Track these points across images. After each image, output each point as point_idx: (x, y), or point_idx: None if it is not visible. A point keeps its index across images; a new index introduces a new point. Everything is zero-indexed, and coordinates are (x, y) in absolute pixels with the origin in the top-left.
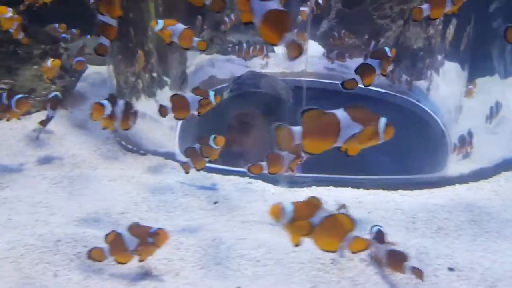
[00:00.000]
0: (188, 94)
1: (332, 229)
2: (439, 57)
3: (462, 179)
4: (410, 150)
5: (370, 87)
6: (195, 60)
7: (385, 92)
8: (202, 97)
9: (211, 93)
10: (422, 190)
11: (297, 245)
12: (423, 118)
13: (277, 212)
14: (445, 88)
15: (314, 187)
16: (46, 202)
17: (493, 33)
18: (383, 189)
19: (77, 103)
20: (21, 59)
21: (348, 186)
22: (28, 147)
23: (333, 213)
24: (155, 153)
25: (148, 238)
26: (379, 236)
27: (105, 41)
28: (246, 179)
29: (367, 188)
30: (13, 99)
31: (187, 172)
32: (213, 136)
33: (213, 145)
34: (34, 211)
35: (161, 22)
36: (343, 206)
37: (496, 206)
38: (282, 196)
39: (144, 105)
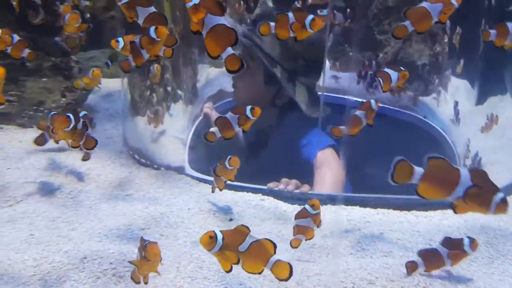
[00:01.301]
0: (229, 114)
1: (256, 254)
2: (446, 74)
3: None
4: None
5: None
6: (206, 73)
7: (390, 108)
8: (240, 115)
9: (248, 108)
10: (435, 211)
11: (228, 271)
12: (431, 134)
13: (208, 241)
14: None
15: (328, 205)
16: (65, 217)
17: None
18: (395, 209)
19: None
20: (30, 71)
21: (362, 206)
22: (39, 160)
23: (258, 239)
24: (168, 167)
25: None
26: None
27: (132, 62)
28: (259, 196)
29: (381, 207)
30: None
31: (213, 192)
32: (228, 157)
33: (228, 166)
34: (54, 226)
35: (121, 41)
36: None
37: (510, 228)
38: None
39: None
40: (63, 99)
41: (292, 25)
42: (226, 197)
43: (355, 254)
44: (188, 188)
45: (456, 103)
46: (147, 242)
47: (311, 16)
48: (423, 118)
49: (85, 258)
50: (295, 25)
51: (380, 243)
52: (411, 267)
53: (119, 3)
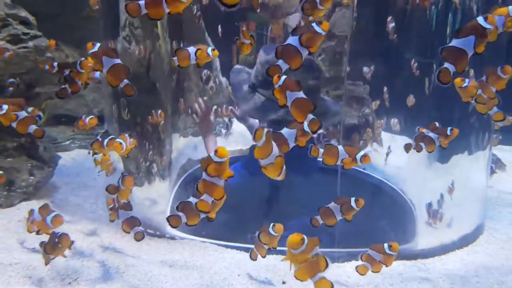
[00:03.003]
0: None
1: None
2: (378, 133)
3: (455, 246)
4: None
5: None
6: (176, 143)
7: None
8: None
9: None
10: (434, 257)
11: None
12: (380, 187)
13: (299, 243)
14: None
15: (353, 261)
16: None
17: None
18: (408, 259)
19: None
20: None
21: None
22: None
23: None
24: (183, 236)
25: None
26: None
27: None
28: None
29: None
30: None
31: (254, 259)
32: (272, 223)
33: (273, 233)
34: None
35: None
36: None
37: (505, 267)
38: (331, 272)
39: (160, 187)
40: (32, 177)
41: (344, 159)
42: (263, 261)
43: None
44: (219, 255)
45: (389, 147)
46: None
47: (362, 152)
48: (363, 170)
49: None
50: (346, 159)
51: None
52: None
53: (89, 52)
